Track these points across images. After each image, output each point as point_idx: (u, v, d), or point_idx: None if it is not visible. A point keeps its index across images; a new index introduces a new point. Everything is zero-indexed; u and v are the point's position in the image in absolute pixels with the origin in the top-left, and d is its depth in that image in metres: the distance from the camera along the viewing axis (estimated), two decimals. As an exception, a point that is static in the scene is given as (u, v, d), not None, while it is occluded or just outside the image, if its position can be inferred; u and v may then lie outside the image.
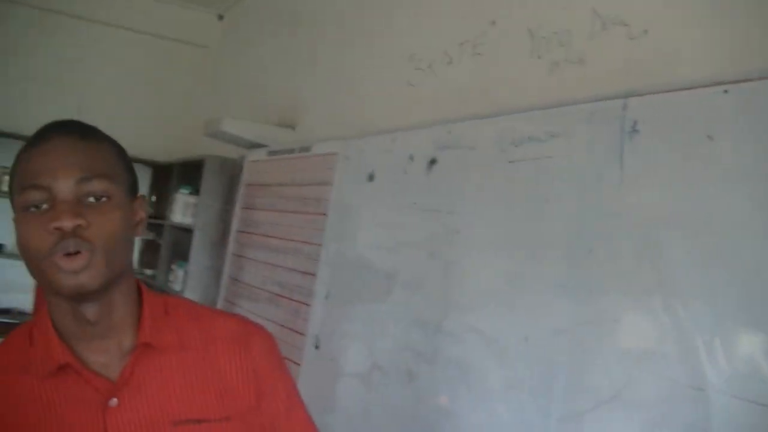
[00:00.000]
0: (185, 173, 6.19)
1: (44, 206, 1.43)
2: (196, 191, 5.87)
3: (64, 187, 1.44)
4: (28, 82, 6.85)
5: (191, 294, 5.42)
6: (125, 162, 1.56)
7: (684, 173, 1.90)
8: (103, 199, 1.46)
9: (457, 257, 2.64)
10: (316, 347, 3.54)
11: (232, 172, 5.40)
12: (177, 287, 5.81)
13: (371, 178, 3.25)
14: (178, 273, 5.90)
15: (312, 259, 3.72)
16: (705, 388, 1.76)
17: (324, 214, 3.66)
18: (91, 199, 1.45)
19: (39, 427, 1.49)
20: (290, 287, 3.93)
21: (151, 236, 7.25)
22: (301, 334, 3.68)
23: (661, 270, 1.91)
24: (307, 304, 3.68)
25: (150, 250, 7.33)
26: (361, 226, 3.32)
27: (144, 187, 7.37)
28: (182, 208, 5.93)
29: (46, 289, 1.48)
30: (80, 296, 1.44)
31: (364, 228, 3.28)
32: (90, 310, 1.49)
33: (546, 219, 2.30)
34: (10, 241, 6.79)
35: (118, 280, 1.50)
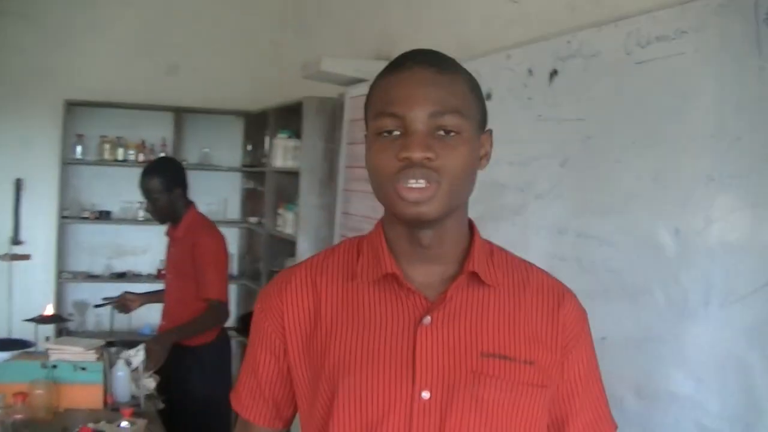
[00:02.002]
0: (281, 118, 6.31)
1: (396, 133, 1.52)
2: (294, 135, 5.98)
3: (418, 118, 1.50)
4: (121, 48, 7.03)
5: (305, 234, 5.56)
6: (478, 96, 1.60)
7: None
8: (452, 133, 1.51)
9: (594, 163, 2.71)
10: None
11: (331, 111, 5.50)
12: (288, 230, 5.95)
13: (488, 96, 3.31)
14: (286, 216, 6.04)
15: (434, 183, 3.80)
16: None
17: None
18: (441, 133, 1.50)
19: (356, 327, 1.62)
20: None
21: (250, 185, 7.42)
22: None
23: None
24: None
25: (250, 198, 7.49)
26: (485, 144, 3.38)
27: (237, 137, 7.53)
28: (282, 153, 6.06)
29: (386, 210, 1.60)
30: (418, 224, 1.54)
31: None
32: (425, 235, 1.57)
33: (685, 113, 2.36)
34: (116, 207, 7.02)
35: (456, 211, 1.58)
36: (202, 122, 7.35)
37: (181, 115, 7.12)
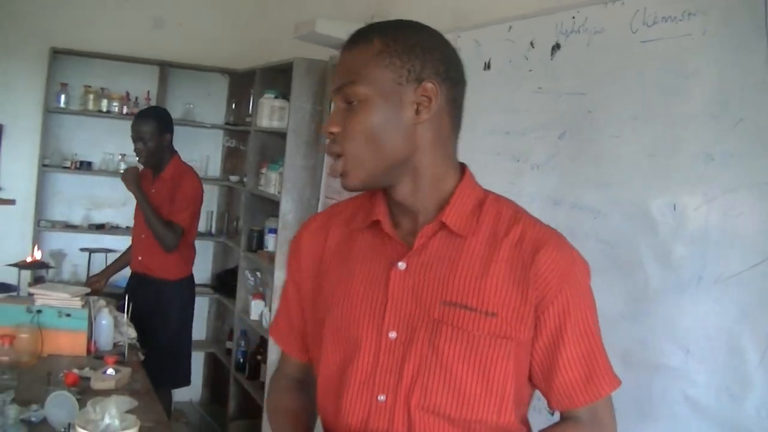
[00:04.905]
0: (268, 78, 6.31)
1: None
2: (280, 95, 5.99)
3: (333, 94, 1.68)
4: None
5: (289, 195, 5.59)
6: (394, 54, 1.66)
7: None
8: (354, 102, 1.64)
9: (593, 136, 2.77)
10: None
11: (321, 73, 5.51)
12: (271, 190, 5.97)
13: (487, 66, 3.36)
14: (270, 176, 6.05)
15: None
16: None
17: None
18: (350, 105, 1.66)
19: (343, 268, 1.81)
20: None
21: (232, 143, 7.42)
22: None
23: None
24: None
25: (232, 156, 7.49)
26: (480, 112, 3.41)
27: (221, 95, 7.51)
28: (268, 113, 6.06)
29: None
30: (354, 191, 1.72)
31: (485, 114, 3.37)
32: (394, 191, 1.73)
33: (687, 93, 2.42)
34: (98, 159, 6.99)
35: (403, 172, 1.70)
36: (187, 78, 7.29)
37: (166, 69, 7.07)
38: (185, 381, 5.69)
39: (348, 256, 1.81)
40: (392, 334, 1.70)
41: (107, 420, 2.48)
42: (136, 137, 5.29)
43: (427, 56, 1.68)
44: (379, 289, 1.73)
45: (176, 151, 5.59)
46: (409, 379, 1.68)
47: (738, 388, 2.18)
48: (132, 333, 4.32)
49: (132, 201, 5.48)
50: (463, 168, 1.80)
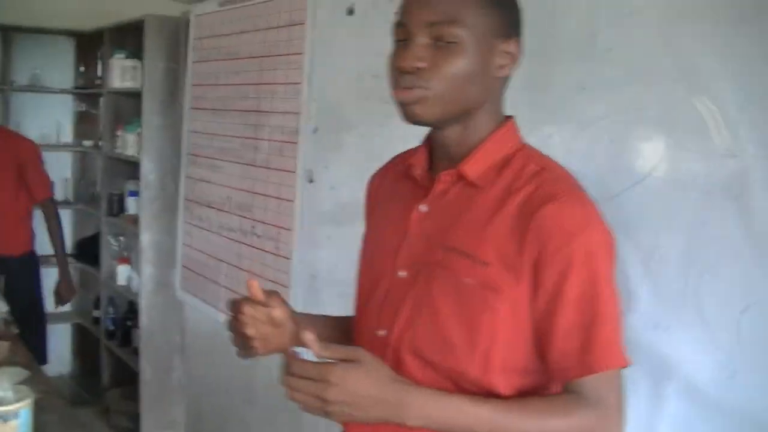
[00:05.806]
0: (117, 38, 6.15)
1: (401, 42, 1.65)
2: (131, 55, 5.87)
3: (416, 27, 1.61)
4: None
5: (149, 155, 5.50)
6: (491, 4, 1.64)
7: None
8: (449, 42, 1.60)
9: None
10: (310, 181, 3.70)
11: (174, 30, 5.40)
12: (130, 152, 5.86)
13: (351, 12, 3.37)
14: (127, 138, 5.93)
15: (290, 97, 3.84)
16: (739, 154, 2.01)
17: (299, 54, 3.76)
18: (442, 43, 1.60)
19: (381, 211, 1.95)
20: (270, 128, 4.04)
21: (83, 107, 7.23)
22: (291, 171, 3.84)
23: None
24: (292, 143, 3.82)
25: (84, 120, 7.30)
26: (347, 59, 3.44)
27: (68, 59, 7.29)
28: (120, 74, 5.93)
29: None
30: (416, 124, 1.68)
31: (352, 61, 3.38)
32: (440, 135, 1.73)
33: (557, 26, 2.48)
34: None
35: (463, 117, 1.69)
36: (31, 42, 7.03)
37: (9, 34, 6.81)
38: (42, 360, 5.44)
39: (390, 199, 1.91)
40: (402, 273, 1.76)
41: (0, 393, 2.43)
42: None
43: (515, 11, 1.71)
44: (401, 230, 1.78)
45: None
46: (403, 319, 1.74)
47: (624, 303, 2.25)
48: (3, 307, 4.20)
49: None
50: (506, 120, 1.78)
